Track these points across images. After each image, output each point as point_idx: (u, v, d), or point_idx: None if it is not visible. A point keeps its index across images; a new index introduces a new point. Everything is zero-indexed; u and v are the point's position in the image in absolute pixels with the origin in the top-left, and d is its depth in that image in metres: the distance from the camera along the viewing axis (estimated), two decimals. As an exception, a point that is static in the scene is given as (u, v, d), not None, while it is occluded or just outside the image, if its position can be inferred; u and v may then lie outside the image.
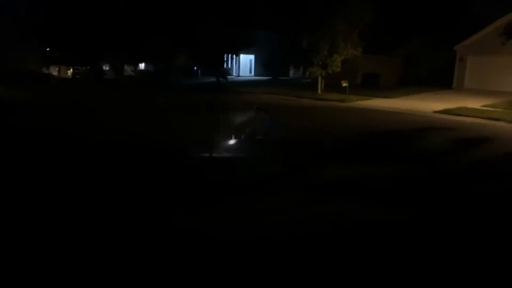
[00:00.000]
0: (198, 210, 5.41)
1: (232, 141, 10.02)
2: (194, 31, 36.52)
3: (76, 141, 9.92)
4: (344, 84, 21.91)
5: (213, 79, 36.47)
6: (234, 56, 48.96)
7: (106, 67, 48.60)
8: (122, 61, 39.20)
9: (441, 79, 27.01)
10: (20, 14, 35.84)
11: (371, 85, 28.38)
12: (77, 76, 43.34)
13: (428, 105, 18.51)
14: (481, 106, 17.91)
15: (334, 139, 10.82)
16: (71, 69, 45.93)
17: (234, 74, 48.09)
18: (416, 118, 15.02)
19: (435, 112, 16.40)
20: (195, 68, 48.57)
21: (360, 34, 23.05)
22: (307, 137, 11.01)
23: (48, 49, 41.41)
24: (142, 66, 54.62)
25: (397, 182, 6.84)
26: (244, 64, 47.70)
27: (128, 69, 51.54)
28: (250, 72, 47.12)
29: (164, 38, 36.38)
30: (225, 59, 49.93)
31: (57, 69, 46.38)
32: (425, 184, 6.80)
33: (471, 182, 7.07)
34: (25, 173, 7.19)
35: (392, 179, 6.97)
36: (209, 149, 8.52)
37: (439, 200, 6.03)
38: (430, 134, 11.59)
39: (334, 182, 6.74)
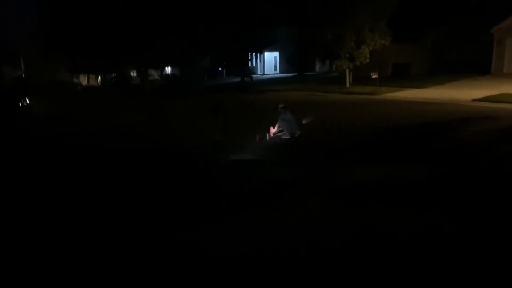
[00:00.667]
0: (211, 225, 4.88)
1: (256, 141, 9.51)
2: (216, 32, 36.27)
3: (69, 147, 9.87)
4: (373, 76, 20.95)
5: (238, 79, 36.14)
6: (258, 54, 48.47)
7: (133, 73, 49.31)
8: (145, 65, 39.35)
9: (476, 65, 25.44)
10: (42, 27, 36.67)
11: (402, 75, 27.18)
12: (106, 84, 44.11)
13: (466, 93, 17.31)
14: (525, 91, 16.56)
15: (366, 135, 10.03)
16: (99, 77, 46.90)
17: (259, 72, 47.60)
18: (454, 107, 13.95)
19: (474, 100, 15.24)
20: (219, 68, 48.46)
21: (387, 23, 22.00)
22: (337, 134, 10.30)
23: (76, 59, 42.30)
24: (168, 70, 55.14)
25: (441, 184, 6.02)
26: (269, 62, 47.10)
27: (154, 74, 52.18)
28: (275, 69, 46.48)
29: (185, 39, 36.33)
30: (249, 57, 49.53)
31: (86, 77, 47.34)
32: (474, 186, 5.92)
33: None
34: (26, 176, 7.23)
35: (436, 181, 6.14)
36: (225, 152, 8.05)
37: (491, 207, 5.12)
38: (471, 125, 10.59)
39: (369, 186, 6.02)
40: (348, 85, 23.41)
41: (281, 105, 10.17)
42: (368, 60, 22.34)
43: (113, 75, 44.79)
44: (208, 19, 34.18)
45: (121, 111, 18.06)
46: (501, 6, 23.67)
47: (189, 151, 8.92)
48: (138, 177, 7.08)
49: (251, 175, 6.80)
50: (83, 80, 48.99)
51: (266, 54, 46.75)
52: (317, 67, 42.00)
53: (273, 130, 9.98)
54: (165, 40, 34.05)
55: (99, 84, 45.34)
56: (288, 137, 9.80)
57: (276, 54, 46.04)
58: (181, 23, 34.14)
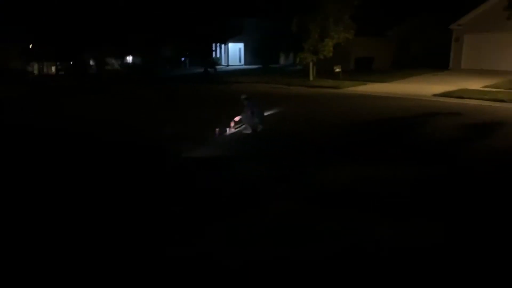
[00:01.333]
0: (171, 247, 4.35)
1: (215, 135, 8.98)
2: (179, 20, 35.15)
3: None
4: (337, 70, 20.85)
5: (201, 69, 35.25)
6: (222, 45, 47.59)
7: (92, 62, 47.05)
8: (103, 54, 37.69)
9: (437, 61, 26.04)
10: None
11: (365, 69, 27.39)
12: (61, 73, 41.81)
13: (427, 88, 17.51)
14: (482, 87, 16.93)
15: (330, 131, 9.71)
16: (55, 66, 44.34)
17: (223, 63, 46.78)
18: (415, 102, 14.00)
19: (434, 95, 15.39)
20: (183, 58, 47.18)
21: (351, 16, 21.91)
22: (301, 129, 9.94)
23: (30, 45, 39.80)
24: (129, 59, 53.09)
25: (414, 187, 5.66)
26: (233, 53, 46.37)
27: (115, 63, 50.08)
28: (240, 61, 45.83)
29: (147, 28, 35.00)
30: (213, 48, 48.54)
31: (39, 65, 44.67)
32: (448, 188, 5.63)
33: (503, 182, 5.85)
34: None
35: (407, 183, 5.78)
36: (178, 148, 7.46)
37: (471, 211, 4.79)
38: (434, 121, 10.56)
39: (338, 190, 5.57)
40: (311, 78, 23.21)
41: (243, 96, 9.62)
42: (331, 54, 22.19)
43: (70, 63, 42.58)
44: (170, 4, 33.07)
45: (65, 100, 17.06)
46: (459, 4, 24.24)
47: (137, 146, 8.25)
48: (68, 177, 6.37)
49: (207, 176, 6.26)
50: (35, 68, 46.29)
51: (231, 45, 45.96)
52: (282, 60, 41.75)
53: (233, 124, 9.48)
54: (124, 27, 32.65)
55: (55, 72, 42.93)
56: (249, 131, 9.34)
57: (241, 45, 45.37)
58: (140, 8, 32.80)
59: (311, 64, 22.99)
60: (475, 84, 17.58)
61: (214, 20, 36.07)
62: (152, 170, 6.58)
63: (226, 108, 11.32)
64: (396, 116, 11.43)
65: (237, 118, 9.37)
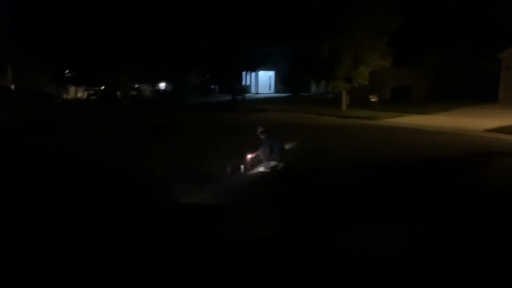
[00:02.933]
0: None
1: (227, 174, 7.48)
2: (209, 47, 34.72)
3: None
4: (372, 99, 19.11)
5: (230, 97, 34.42)
6: (252, 73, 46.97)
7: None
8: (131, 80, 37.66)
9: (481, 92, 23.86)
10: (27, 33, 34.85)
11: (402, 99, 25.49)
12: (93, 97, 42.12)
13: (475, 122, 15.49)
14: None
15: (364, 174, 7.95)
16: (87, 90, 44.90)
17: (253, 91, 45.97)
18: (466, 139, 12.06)
19: (487, 131, 13.38)
20: (212, 86, 46.79)
21: (388, 43, 20.34)
22: (330, 169, 8.27)
23: (61, 70, 40.48)
24: (162, 85, 53.36)
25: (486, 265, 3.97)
26: (263, 81, 45.57)
27: (147, 89, 50.39)
28: (270, 89, 44.90)
29: (177, 55, 34.75)
30: (243, 76, 47.98)
31: (74, 90, 45.37)
32: None
33: None
34: None
35: (476, 255, 4.10)
36: (174, 190, 5.98)
37: None
38: (494, 163, 8.67)
39: (370, 273, 3.92)
40: (344, 107, 21.58)
41: (260, 129, 8.13)
42: (367, 82, 20.56)
43: (101, 88, 42.99)
44: (201, 31, 32.69)
45: (79, 125, 16.17)
46: (508, 30, 22.22)
47: (118, 182, 6.81)
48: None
49: (195, 235, 4.70)
50: (72, 92, 47.10)
51: (261, 73, 45.23)
52: (313, 88, 40.38)
53: (249, 161, 7.98)
54: (153, 53, 32.44)
55: (84, 97, 43.42)
56: (268, 170, 7.80)
57: (272, 73, 44.54)
58: (170, 36, 32.59)
59: (344, 93, 21.40)
60: (533, 119, 15.40)
61: (244, 48, 35.43)
62: (128, 223, 5.10)
63: (246, 138, 9.85)
64: (444, 156, 9.57)
65: (253, 155, 7.90)
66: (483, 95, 23.37)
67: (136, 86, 48.58)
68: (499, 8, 25.60)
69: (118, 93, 38.91)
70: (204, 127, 15.97)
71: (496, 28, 24.18)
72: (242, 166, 7.80)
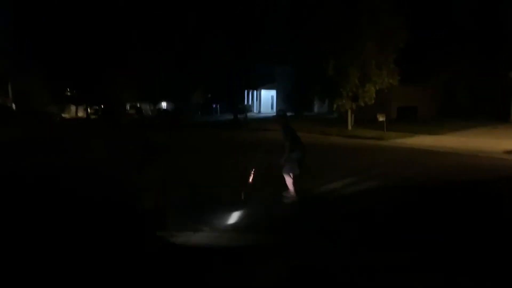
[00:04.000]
0: None
1: (240, 198, 6.42)
2: (212, 66, 34.29)
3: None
4: (381, 119, 18.27)
5: (232, 116, 33.77)
6: (255, 92, 46.53)
7: (128, 106, 47.02)
8: (130, 99, 37.25)
9: (491, 111, 23.07)
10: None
11: (408, 119, 24.74)
12: (93, 116, 41.53)
13: (491, 142, 14.62)
14: None
15: (379, 199, 7.04)
16: (88, 109, 44.36)
17: (255, 110, 45.46)
18: (485, 161, 11.14)
19: (506, 152, 12.48)
20: (214, 105, 46.29)
21: (394, 61, 19.67)
22: (336, 196, 7.33)
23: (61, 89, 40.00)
24: (163, 105, 52.91)
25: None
26: (266, 100, 45.07)
27: (148, 108, 49.92)
28: (272, 108, 44.31)
29: (179, 73, 34.30)
30: (246, 95, 47.51)
31: (68, 108, 44.83)
32: None
33: None
34: None
35: None
36: (163, 224, 5.04)
37: None
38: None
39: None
40: (350, 127, 20.76)
41: (280, 112, 6.98)
42: (373, 101, 19.80)
43: (101, 107, 42.49)
44: (204, 49, 32.30)
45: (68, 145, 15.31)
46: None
47: (101, 217, 5.89)
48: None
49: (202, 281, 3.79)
50: (72, 111, 46.59)
51: (263, 92, 44.76)
52: (316, 108, 39.77)
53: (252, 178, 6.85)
54: (157, 70, 32.02)
55: (84, 116, 42.86)
56: (288, 196, 6.70)
57: (274, 92, 44.04)
58: (169, 55, 32.20)
59: (349, 112, 20.61)
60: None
61: (247, 66, 35.00)
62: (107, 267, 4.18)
63: (249, 160, 8.97)
64: (466, 180, 8.62)
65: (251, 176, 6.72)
66: (493, 114, 22.58)
67: (137, 106, 48.17)
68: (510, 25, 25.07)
69: (119, 111, 38.39)
70: (205, 148, 15.15)
71: (508, 46, 23.56)
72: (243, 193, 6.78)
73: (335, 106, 20.25)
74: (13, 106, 38.98)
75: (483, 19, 26.48)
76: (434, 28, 25.19)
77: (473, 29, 26.06)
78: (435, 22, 25.38)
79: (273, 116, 6.92)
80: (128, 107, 45.34)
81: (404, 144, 15.32)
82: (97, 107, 42.94)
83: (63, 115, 42.50)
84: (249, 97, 47.82)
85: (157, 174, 5.95)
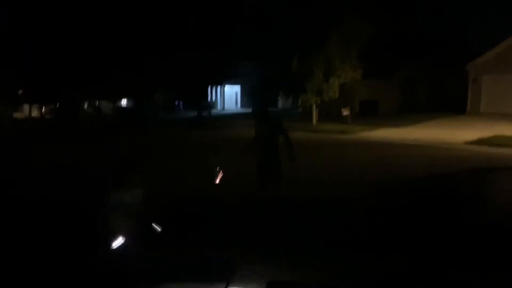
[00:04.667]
0: None
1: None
2: (171, 62, 33.37)
3: None
4: (345, 113, 18.42)
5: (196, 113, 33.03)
6: (218, 88, 45.93)
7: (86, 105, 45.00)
8: (86, 97, 35.69)
9: (450, 104, 23.85)
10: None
11: (370, 113, 25.11)
12: (48, 117, 39.43)
13: (452, 134, 15.01)
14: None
15: (346, 198, 6.82)
16: (42, 108, 42.12)
17: (218, 107, 44.85)
18: (449, 152, 11.36)
19: (467, 143, 12.81)
20: (177, 102, 45.25)
21: (357, 56, 19.82)
22: (302, 194, 7.05)
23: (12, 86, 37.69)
24: (124, 102, 51.15)
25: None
26: (229, 96, 44.57)
27: (107, 106, 48.05)
28: (236, 104, 43.97)
29: (137, 70, 33.15)
30: (209, 91, 46.81)
31: (20, 107, 42.37)
32: None
33: None
34: None
35: None
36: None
37: None
38: (493, 182, 7.84)
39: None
40: (314, 122, 20.75)
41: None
42: (337, 95, 19.87)
43: (56, 106, 40.43)
44: (162, 45, 31.34)
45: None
46: (477, 42, 22.46)
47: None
48: None
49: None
50: (26, 111, 44.08)
51: (227, 88, 44.23)
52: (280, 103, 39.77)
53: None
54: (111, 68, 30.73)
55: (38, 116, 40.64)
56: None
57: (238, 88, 43.65)
58: (129, 48, 31.01)
59: (314, 107, 20.60)
60: (508, 130, 15.07)
61: (209, 63, 34.37)
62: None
63: (215, 160, 8.56)
64: (433, 173, 8.66)
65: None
66: (450, 107, 23.33)
67: (95, 104, 46.28)
68: (467, 22, 26.05)
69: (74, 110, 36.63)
70: (170, 149, 14.56)
71: (464, 41, 24.46)
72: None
73: (300, 101, 20.15)
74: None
75: (442, 16, 27.37)
76: (396, 24, 25.72)
77: (433, 25, 26.86)
78: (397, 18, 25.91)
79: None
80: (85, 105, 43.43)
81: (367, 137, 15.45)
82: (52, 106, 40.85)
83: (14, 115, 40.14)
84: (213, 93, 47.16)
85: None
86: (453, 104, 23.44)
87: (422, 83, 27.32)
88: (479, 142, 12.63)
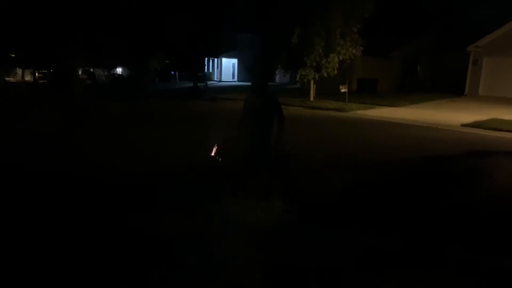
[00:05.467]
0: None
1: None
2: (169, 32, 32.62)
3: None
4: (343, 90, 18.16)
5: (192, 84, 32.61)
6: (215, 59, 45.23)
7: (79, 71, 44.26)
8: (83, 63, 35.03)
9: (449, 85, 23.65)
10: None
11: (368, 91, 24.86)
12: (41, 81, 38.83)
13: (449, 116, 14.91)
14: (516, 117, 14.37)
15: (343, 176, 6.78)
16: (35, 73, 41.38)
17: (215, 79, 44.32)
18: (445, 134, 11.30)
19: (463, 125, 12.74)
20: (172, 72, 44.59)
21: (357, 33, 19.41)
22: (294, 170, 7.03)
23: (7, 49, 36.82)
24: (118, 70, 50.34)
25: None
26: (227, 68, 43.97)
27: (102, 74, 47.31)
28: (233, 77, 43.42)
29: (134, 37, 32.44)
30: (206, 62, 46.13)
31: (13, 72, 41.66)
32: None
33: None
34: None
35: None
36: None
37: None
38: (491, 163, 7.81)
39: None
40: (312, 98, 20.57)
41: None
42: (336, 72, 19.59)
43: (50, 71, 39.73)
44: (163, 12, 30.55)
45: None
46: (480, 23, 22.04)
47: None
48: None
49: None
50: (19, 75, 43.34)
51: (224, 60, 43.57)
52: (278, 77, 39.34)
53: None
54: (107, 34, 30.02)
55: (31, 80, 39.97)
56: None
57: (235, 61, 43.02)
58: (127, 15, 30.24)
59: (312, 83, 20.36)
60: (505, 114, 15.00)
61: (207, 34, 33.65)
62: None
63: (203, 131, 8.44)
64: (431, 155, 8.61)
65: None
66: (449, 88, 23.13)
67: (90, 70, 45.55)
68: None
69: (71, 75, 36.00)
70: (166, 120, 14.41)
71: (466, 21, 24.03)
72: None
73: (298, 76, 19.86)
74: None
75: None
76: (396, 3, 25.16)
77: (435, 3, 26.29)
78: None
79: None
80: (80, 72, 42.72)
81: (364, 116, 15.35)
82: (46, 71, 40.15)
83: (7, 78, 39.47)
84: (210, 64, 46.48)
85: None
86: (452, 86, 23.25)
87: (421, 64, 27.02)
88: (475, 125, 12.54)
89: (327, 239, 4.02)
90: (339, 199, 5.37)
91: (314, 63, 18.60)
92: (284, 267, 3.44)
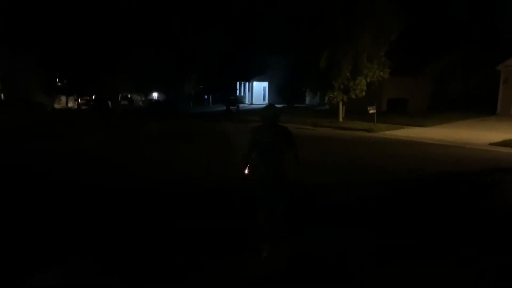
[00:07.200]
0: None
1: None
2: (203, 57, 34.27)
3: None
4: (371, 111, 18.60)
5: (224, 107, 33.90)
6: (247, 83, 46.64)
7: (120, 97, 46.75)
8: (122, 89, 37.09)
9: (480, 104, 23.45)
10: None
11: (399, 111, 25.02)
12: (84, 107, 41.28)
13: (478, 135, 15.03)
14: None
15: (372, 196, 7.22)
16: (78, 99, 44.03)
17: (247, 102, 45.57)
18: (472, 153, 11.53)
19: (492, 144, 12.89)
20: (205, 96, 46.29)
21: (385, 53, 19.91)
22: (327, 186, 7.61)
23: (52, 78, 39.60)
24: (155, 95, 52.64)
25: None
26: (258, 91, 45.18)
27: (139, 99, 49.67)
28: (264, 99, 44.49)
29: (173, 60, 34.24)
30: (238, 86, 47.63)
31: (58, 99, 44.32)
32: None
33: None
34: None
35: None
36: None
37: None
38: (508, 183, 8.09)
39: None
40: (341, 119, 21.08)
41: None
42: (364, 93, 20.09)
43: (92, 97, 42.25)
44: (198, 37, 32.28)
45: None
46: (503, 43, 21.99)
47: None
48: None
49: None
50: (63, 102, 46.18)
51: (255, 83, 44.86)
52: (308, 99, 40.02)
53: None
54: (146, 62, 31.93)
55: (75, 106, 42.55)
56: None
57: (266, 84, 44.18)
58: (163, 42, 32.11)
59: (340, 104, 20.91)
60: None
61: (238, 58, 35.11)
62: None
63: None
64: (457, 172, 8.94)
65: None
66: (481, 107, 22.96)
67: (128, 96, 47.97)
68: (502, 18, 25.47)
69: (110, 102, 38.15)
70: (200, 138, 15.35)
71: (497, 39, 23.97)
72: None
73: (326, 98, 20.50)
74: (1, 95, 38.46)
75: (477, 12, 26.80)
76: (428, 19, 25.45)
77: (466, 21, 26.33)
78: (429, 12, 25.60)
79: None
80: (119, 97, 45.14)
81: (392, 136, 15.70)
82: (88, 98, 42.67)
83: (54, 106, 42.19)
84: (241, 88, 47.91)
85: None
86: (484, 105, 23.07)
87: (452, 82, 26.97)
88: (503, 143, 12.68)
89: None
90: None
91: (341, 86, 19.20)
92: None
